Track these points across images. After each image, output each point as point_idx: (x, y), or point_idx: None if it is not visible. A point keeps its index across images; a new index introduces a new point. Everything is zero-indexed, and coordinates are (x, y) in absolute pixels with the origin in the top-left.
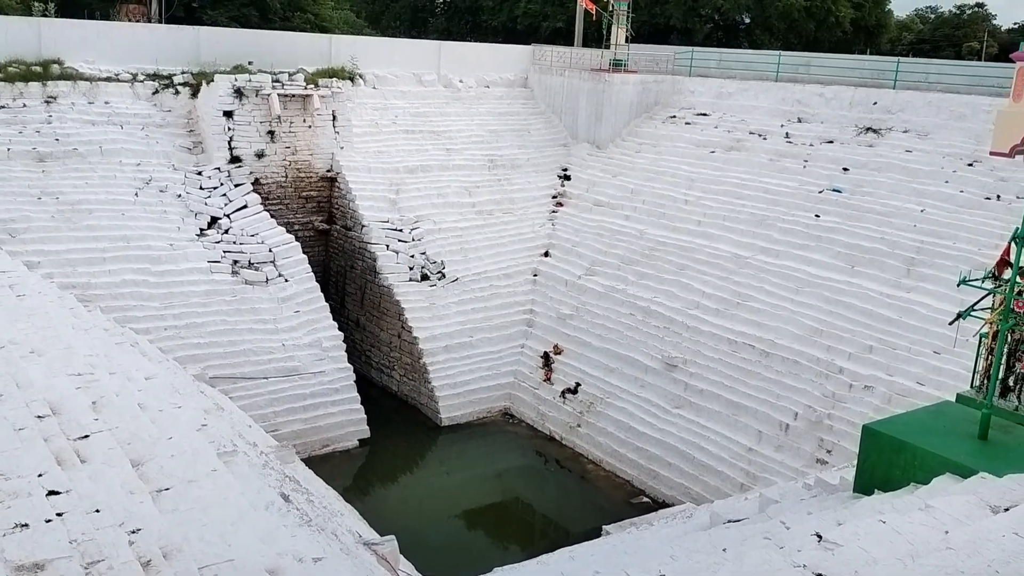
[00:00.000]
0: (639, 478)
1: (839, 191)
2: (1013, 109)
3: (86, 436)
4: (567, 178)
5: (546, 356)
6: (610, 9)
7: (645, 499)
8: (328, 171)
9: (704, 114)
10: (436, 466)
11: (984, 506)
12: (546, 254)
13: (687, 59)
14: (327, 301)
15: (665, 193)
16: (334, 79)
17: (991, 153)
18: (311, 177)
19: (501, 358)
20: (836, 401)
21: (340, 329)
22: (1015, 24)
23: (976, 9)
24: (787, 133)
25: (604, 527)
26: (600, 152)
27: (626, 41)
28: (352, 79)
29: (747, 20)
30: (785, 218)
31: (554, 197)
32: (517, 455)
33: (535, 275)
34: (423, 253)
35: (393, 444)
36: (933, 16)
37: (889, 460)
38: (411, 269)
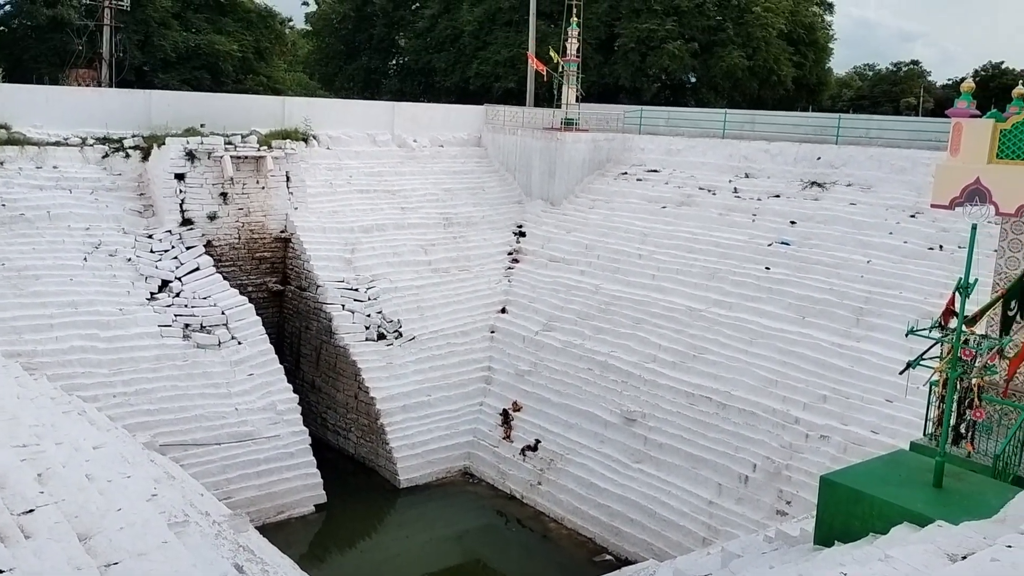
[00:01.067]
0: (601, 535)
1: (787, 244)
2: (951, 163)
3: (31, 511)
4: (522, 235)
5: (505, 413)
6: (560, 70)
7: (608, 557)
8: (282, 232)
9: (655, 170)
10: (395, 530)
11: (942, 555)
12: (503, 310)
13: (636, 117)
14: (281, 363)
15: (619, 248)
16: (287, 140)
17: (932, 206)
18: (265, 238)
19: (460, 416)
20: (793, 451)
21: (295, 391)
22: (949, 80)
23: (911, 66)
24: (735, 188)
25: None
26: (554, 209)
27: (577, 100)
28: (306, 140)
29: (693, 79)
30: (736, 271)
31: (510, 254)
32: (478, 515)
33: (492, 332)
34: (379, 312)
35: (351, 508)
36: (871, 73)
37: (848, 511)
38: (367, 328)
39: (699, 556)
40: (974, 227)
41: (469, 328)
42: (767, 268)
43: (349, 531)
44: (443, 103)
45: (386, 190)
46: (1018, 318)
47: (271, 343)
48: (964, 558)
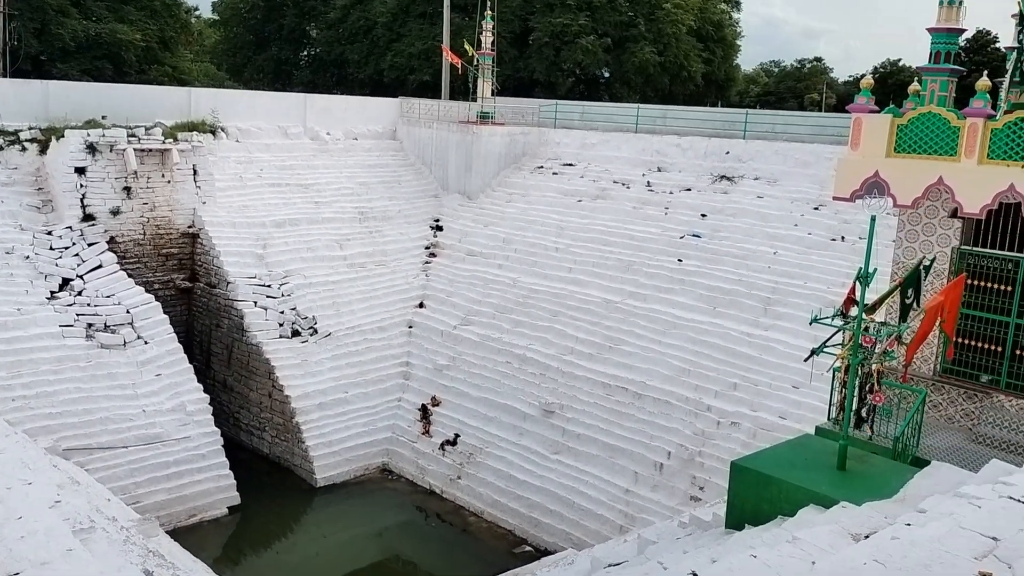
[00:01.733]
0: (521, 527)
1: (699, 236)
2: (852, 157)
3: None
4: (439, 229)
5: (424, 408)
6: (475, 63)
7: (528, 548)
8: (190, 227)
9: (570, 164)
10: (312, 529)
11: (846, 535)
12: (421, 305)
13: (552, 112)
14: (191, 363)
15: (536, 241)
16: (194, 133)
17: (834, 198)
18: (171, 234)
19: (377, 413)
20: (706, 438)
21: (206, 391)
22: (850, 76)
23: (815, 63)
24: (648, 182)
25: None
26: (471, 202)
27: (492, 94)
28: (214, 132)
29: (607, 74)
30: (650, 263)
31: (427, 248)
32: (397, 512)
33: (410, 327)
34: (293, 309)
35: (266, 509)
36: (777, 70)
37: (757, 495)
38: (281, 325)
39: (616, 544)
40: (873, 219)
41: (386, 323)
42: (679, 260)
43: (264, 532)
44: (357, 95)
45: (299, 184)
46: (915, 305)
47: (180, 342)
48: (867, 537)
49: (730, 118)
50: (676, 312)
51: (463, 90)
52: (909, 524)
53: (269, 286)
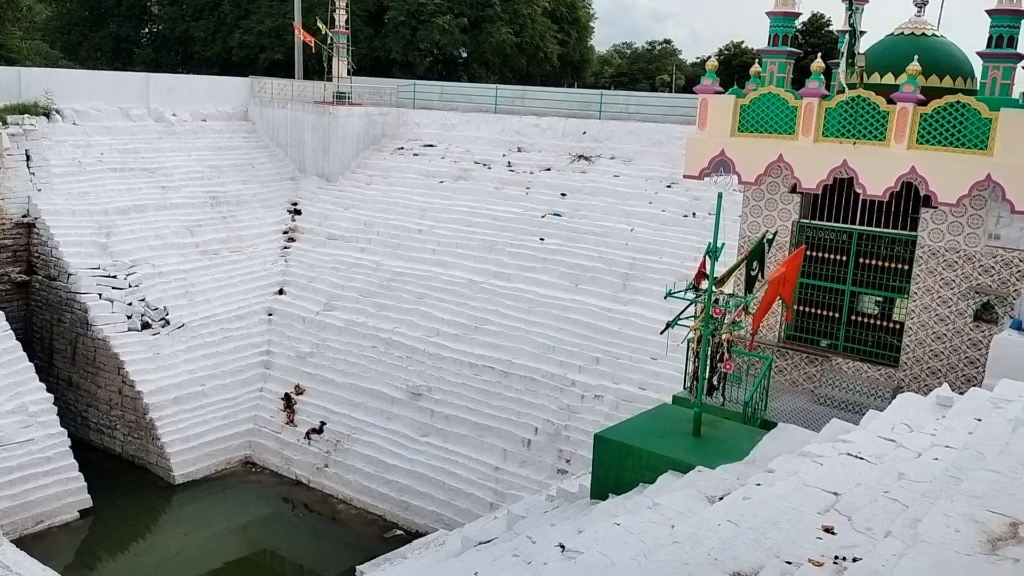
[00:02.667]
0: (392, 511)
1: (559, 215)
2: (700, 136)
3: None
4: (297, 212)
5: (287, 397)
6: (329, 42)
7: (399, 532)
8: (24, 216)
9: (431, 145)
10: (172, 528)
11: (702, 498)
12: (280, 292)
13: (410, 92)
14: (32, 360)
15: (399, 224)
16: (26, 116)
17: (684, 176)
18: (3, 224)
19: (238, 404)
20: (571, 412)
21: (49, 390)
22: (697, 58)
23: (664, 45)
24: (509, 162)
25: (358, 567)
26: (330, 185)
27: (348, 74)
28: (48, 115)
29: (465, 55)
30: (513, 243)
31: (285, 232)
32: (262, 505)
33: (270, 314)
34: (142, 300)
35: (121, 511)
36: (629, 51)
37: (619, 464)
38: (129, 318)
39: (486, 521)
40: (720, 195)
41: (244, 312)
42: (542, 239)
43: (120, 535)
44: (205, 75)
45: (144, 168)
46: (760, 277)
47: (18, 339)
48: (721, 499)
49: (586, 99)
50: (539, 290)
51: (317, 69)
52: (759, 484)
53: (115, 277)
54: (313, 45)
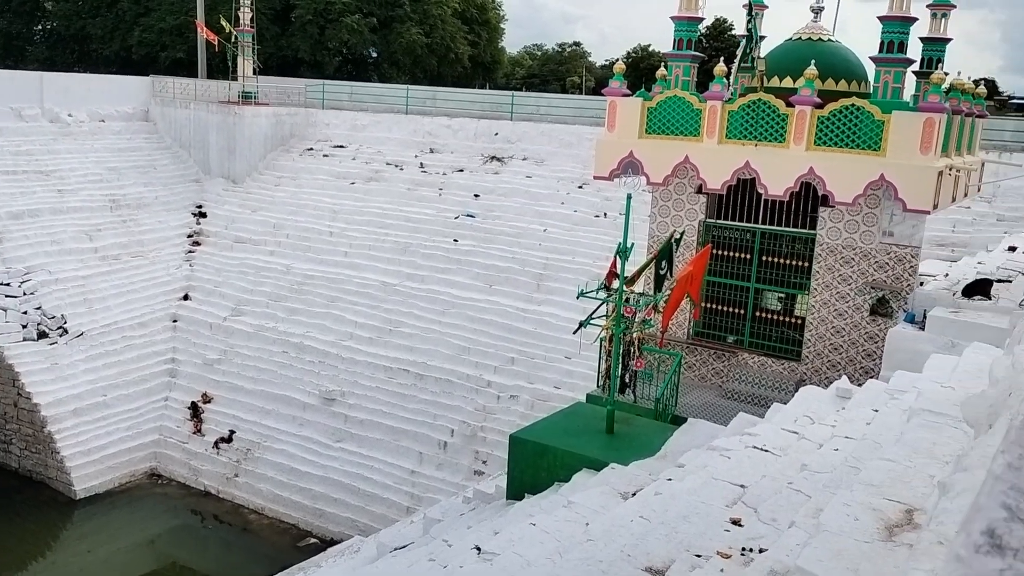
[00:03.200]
0: (305, 519)
1: (473, 216)
2: (609, 138)
3: None
4: (203, 215)
5: (194, 406)
6: (233, 40)
7: (313, 540)
8: None
9: (341, 146)
10: (74, 545)
11: (615, 494)
12: (186, 297)
13: (319, 92)
14: None
15: (309, 226)
16: None
17: (595, 177)
18: None
19: (142, 415)
20: (487, 413)
21: None
22: (606, 61)
23: (574, 47)
24: (421, 163)
25: None
26: (237, 187)
27: (254, 73)
28: None
29: (375, 55)
30: (427, 244)
31: (190, 236)
32: (170, 517)
33: (175, 321)
34: (38, 308)
35: (18, 529)
36: (540, 53)
37: (534, 464)
38: (24, 327)
39: (402, 526)
40: (629, 196)
41: (147, 319)
42: (455, 240)
43: (18, 554)
44: (103, 74)
45: (38, 171)
46: (669, 276)
47: None
48: (634, 495)
49: (498, 100)
50: (454, 292)
51: (222, 69)
52: (670, 479)
53: (8, 284)
54: (217, 44)
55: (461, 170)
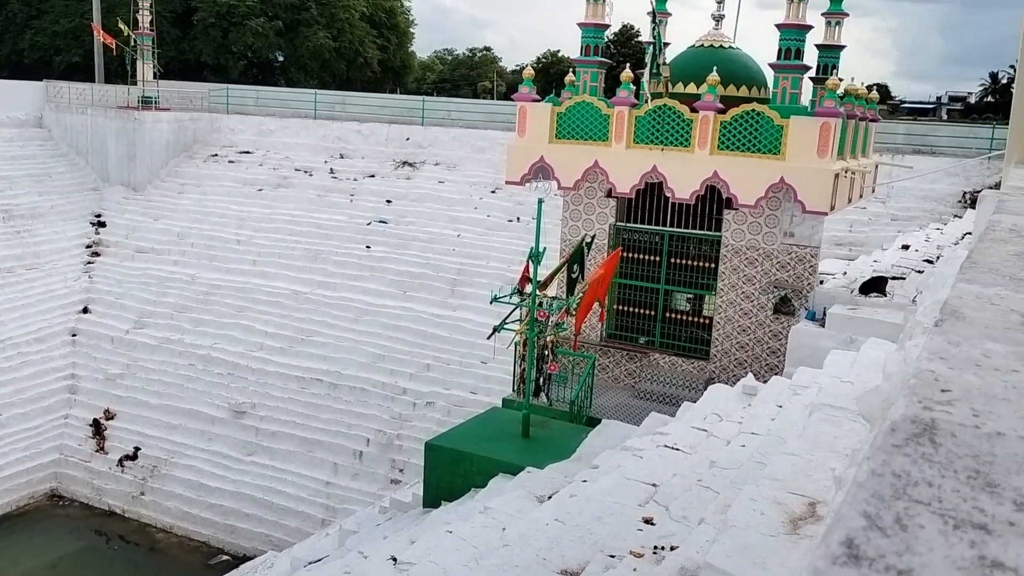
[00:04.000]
0: (216, 536)
1: (385, 222)
2: (520, 143)
3: None
4: (102, 225)
5: (96, 423)
6: (132, 44)
7: (225, 557)
8: None
9: (247, 152)
10: None
11: (532, 498)
12: (85, 310)
13: (223, 96)
14: None
15: (215, 234)
16: None
17: (507, 182)
18: None
19: (41, 434)
20: (403, 421)
21: None
22: (517, 66)
23: (485, 52)
24: (331, 169)
25: None
26: (138, 195)
27: (155, 77)
28: None
29: (281, 59)
30: (339, 251)
31: (88, 247)
32: (73, 539)
33: (74, 335)
34: None
35: None
36: (451, 58)
37: (451, 471)
38: None
39: (317, 539)
40: (540, 201)
41: (44, 333)
42: (368, 247)
43: None
44: None
45: None
46: (580, 279)
47: None
48: (549, 498)
49: (408, 105)
50: (367, 299)
51: (121, 73)
52: (585, 481)
53: None
54: (115, 47)
55: (372, 176)
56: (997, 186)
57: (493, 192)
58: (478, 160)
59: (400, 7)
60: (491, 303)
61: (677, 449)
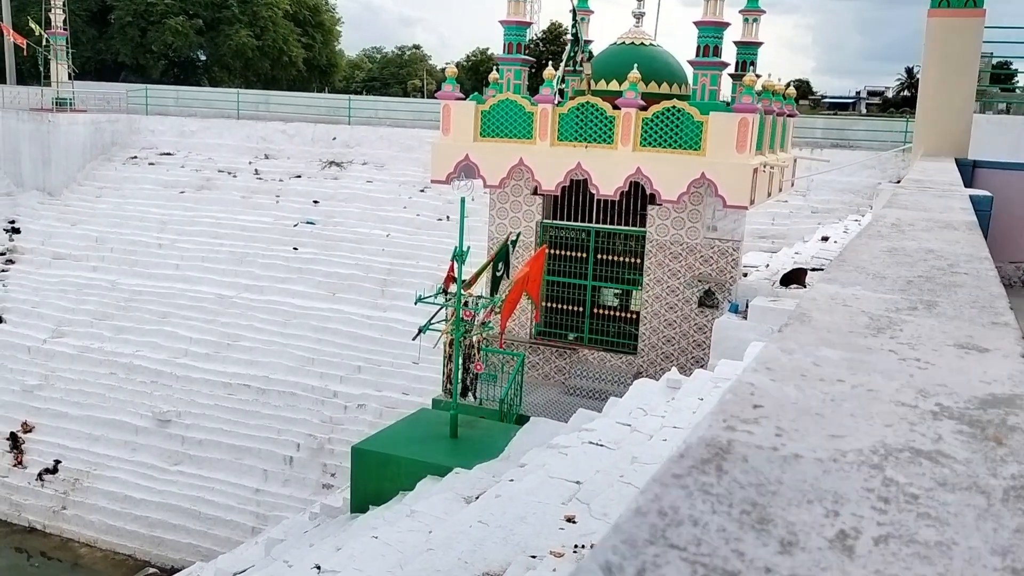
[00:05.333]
0: (143, 549)
1: (312, 223)
2: (445, 142)
3: None
4: (16, 231)
5: (13, 437)
6: (45, 44)
7: (152, 570)
8: None
9: (168, 153)
10: None
11: (459, 499)
12: (0, 320)
13: (142, 97)
14: None
15: (136, 239)
16: None
17: (432, 181)
18: None
19: None
20: (334, 425)
21: None
22: (446, 63)
23: (414, 50)
24: (256, 170)
25: None
26: (54, 199)
27: (70, 78)
28: None
29: (203, 58)
30: (265, 253)
31: (2, 254)
32: None
33: None
34: None
35: None
36: (379, 56)
37: (378, 475)
38: None
39: (244, 549)
40: (463, 200)
41: None
42: (295, 248)
43: None
44: None
45: None
46: (505, 277)
47: None
48: (477, 498)
49: (334, 104)
50: (296, 301)
51: (34, 74)
52: (512, 480)
53: None
54: (25, 48)
55: (299, 176)
56: None
57: (422, 191)
58: (407, 159)
59: (325, 5)
60: (415, 304)
61: (601, 445)
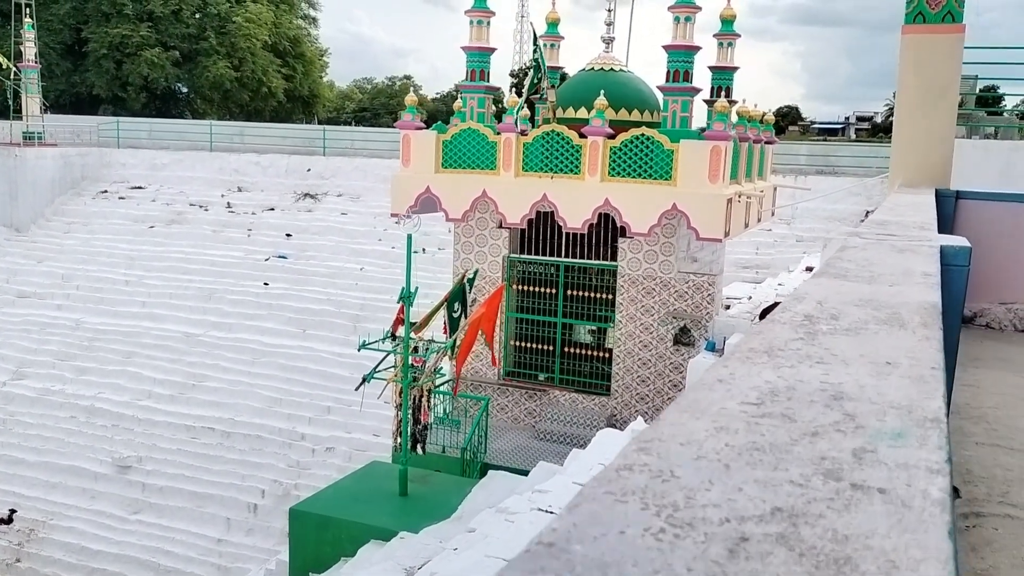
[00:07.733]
0: None
1: (284, 257)
2: (405, 173)
3: None
4: None
5: None
6: (14, 76)
7: None
8: None
9: (139, 187)
10: None
11: (401, 570)
12: None
13: (114, 130)
14: None
15: (102, 275)
16: None
17: (392, 215)
18: None
19: None
20: (301, 469)
21: None
22: (438, 94)
23: (405, 80)
24: (229, 203)
25: None
26: (20, 236)
27: (41, 111)
28: None
29: (184, 90)
30: (234, 289)
31: None
32: None
33: None
34: None
35: None
36: (370, 86)
37: (318, 539)
38: None
39: None
40: (410, 237)
41: None
42: (266, 284)
43: None
44: None
45: None
46: (463, 317)
47: None
48: (420, 568)
49: (309, 135)
50: (264, 339)
51: (3, 108)
52: (456, 548)
53: None
54: None
55: (272, 208)
56: None
57: (398, 223)
58: (382, 190)
59: (307, 35)
60: (359, 350)
61: (551, 512)
